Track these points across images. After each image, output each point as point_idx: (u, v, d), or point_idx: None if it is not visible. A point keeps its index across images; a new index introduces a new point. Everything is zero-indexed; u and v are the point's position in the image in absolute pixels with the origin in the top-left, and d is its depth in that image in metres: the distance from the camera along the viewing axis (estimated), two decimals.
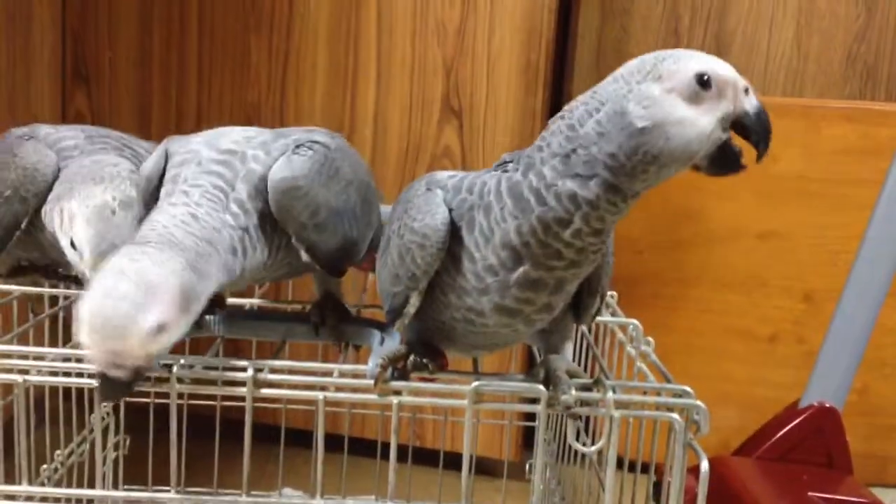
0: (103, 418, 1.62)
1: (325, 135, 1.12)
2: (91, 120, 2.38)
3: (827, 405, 1.87)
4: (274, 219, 1.03)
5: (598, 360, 1.02)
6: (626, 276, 2.33)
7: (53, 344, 1.31)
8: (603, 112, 0.82)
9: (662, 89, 0.80)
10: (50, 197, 1.14)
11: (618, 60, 2.66)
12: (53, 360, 0.92)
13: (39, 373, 0.88)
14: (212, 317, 1.09)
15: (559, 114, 0.87)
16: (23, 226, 1.17)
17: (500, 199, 0.87)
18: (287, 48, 2.28)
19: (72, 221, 1.06)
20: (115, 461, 1.70)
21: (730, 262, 2.31)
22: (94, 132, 1.23)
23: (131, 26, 2.33)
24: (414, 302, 0.92)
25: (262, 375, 0.87)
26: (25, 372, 0.87)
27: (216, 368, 0.88)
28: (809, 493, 1.68)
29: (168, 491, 0.89)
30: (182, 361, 0.87)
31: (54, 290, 1.23)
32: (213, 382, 0.87)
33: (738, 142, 0.85)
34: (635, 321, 1.13)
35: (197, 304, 0.91)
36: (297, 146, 1.06)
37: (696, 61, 0.82)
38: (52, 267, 1.28)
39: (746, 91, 0.83)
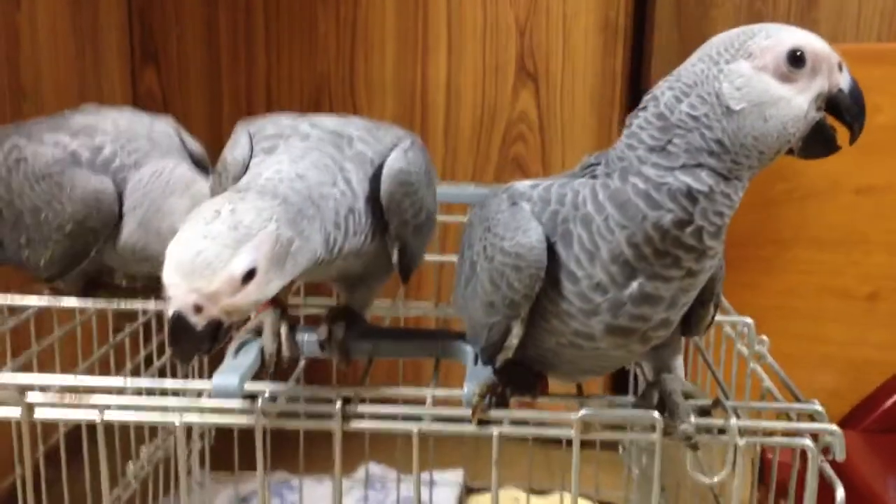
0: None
1: (413, 134, 1.06)
2: (162, 98, 2.36)
3: None
4: (374, 210, 0.97)
5: (717, 378, 0.94)
6: None
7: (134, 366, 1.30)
8: (694, 95, 0.77)
9: (754, 67, 0.76)
10: (130, 222, 1.13)
11: (700, 13, 2.55)
12: (135, 393, 0.87)
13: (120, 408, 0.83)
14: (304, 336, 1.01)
15: (640, 106, 0.80)
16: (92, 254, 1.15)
17: (601, 209, 0.79)
18: (355, 17, 2.22)
19: None
20: (202, 451, 1.67)
21: (826, 220, 2.19)
22: (125, 139, 1.19)
23: (197, 1, 2.28)
24: (517, 332, 0.84)
25: (350, 408, 0.81)
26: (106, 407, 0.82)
27: (302, 400, 0.82)
28: None
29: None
30: (267, 393, 0.82)
31: (131, 306, 1.18)
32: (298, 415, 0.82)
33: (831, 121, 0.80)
34: (748, 319, 1.04)
35: (293, 265, 0.83)
36: (411, 142, 1.01)
37: (789, 36, 0.77)
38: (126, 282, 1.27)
39: (840, 67, 0.78)
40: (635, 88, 2.40)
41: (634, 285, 0.78)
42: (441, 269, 1.55)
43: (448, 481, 1.87)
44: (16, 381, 0.87)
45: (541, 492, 1.75)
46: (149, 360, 1.35)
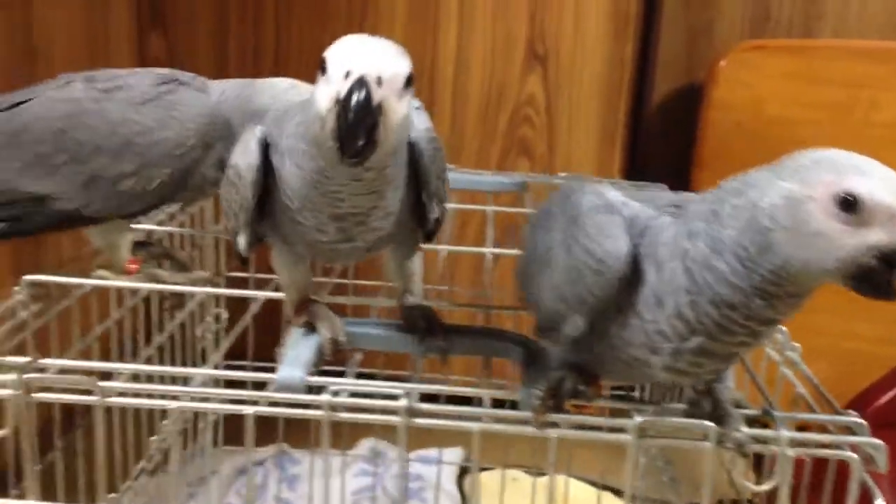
0: None
1: None
2: (168, 61, 2.35)
3: None
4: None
5: (761, 388, 0.97)
6: None
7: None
8: (767, 203, 0.75)
9: (805, 195, 0.73)
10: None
11: (707, 2, 2.55)
12: (203, 383, 0.89)
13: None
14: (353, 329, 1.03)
15: (732, 182, 0.80)
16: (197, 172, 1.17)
17: (673, 261, 0.80)
18: None
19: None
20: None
21: None
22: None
23: None
24: (580, 324, 0.86)
25: (415, 404, 0.83)
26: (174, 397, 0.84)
27: (366, 396, 0.84)
28: None
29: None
30: (332, 388, 0.84)
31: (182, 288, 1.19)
32: (363, 410, 0.84)
33: None
34: (783, 327, 1.08)
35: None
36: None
37: (853, 179, 0.72)
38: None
39: None
40: (640, 75, 2.43)
41: (694, 341, 0.80)
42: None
43: (447, 459, 1.90)
44: (86, 367, 0.89)
45: (542, 474, 1.79)
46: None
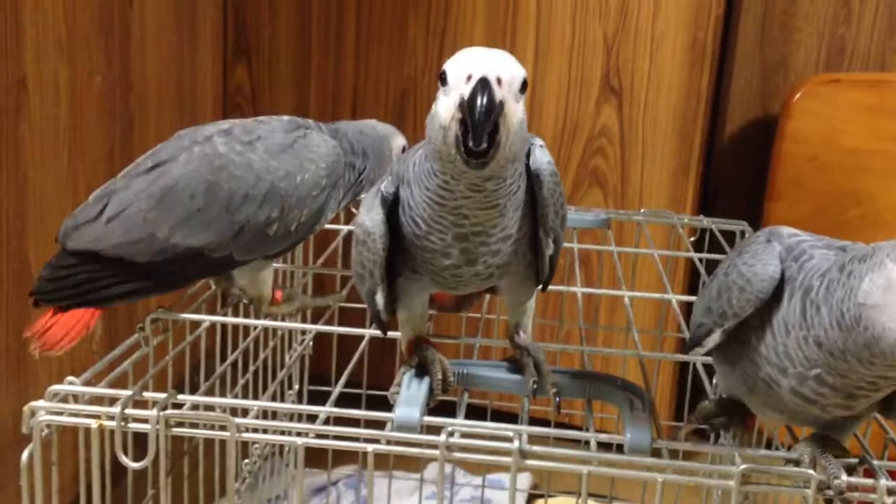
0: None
1: None
2: (251, 93, 2.44)
3: None
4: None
5: (858, 437, 1.00)
6: None
7: None
8: (851, 270, 0.82)
9: (888, 280, 0.79)
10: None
11: (783, 37, 2.55)
12: (325, 421, 0.93)
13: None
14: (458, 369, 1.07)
15: (873, 245, 0.83)
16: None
17: (798, 292, 0.86)
18: (444, 24, 2.28)
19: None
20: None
21: None
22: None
23: (291, 0, 2.35)
24: (715, 338, 0.93)
25: (526, 446, 0.88)
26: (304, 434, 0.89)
27: (481, 437, 0.89)
28: None
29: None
30: (450, 428, 0.88)
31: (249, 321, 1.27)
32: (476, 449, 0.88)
33: None
34: None
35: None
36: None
37: None
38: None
39: None
40: (713, 108, 2.45)
41: (815, 371, 0.85)
42: None
43: (517, 485, 1.93)
44: (221, 402, 0.95)
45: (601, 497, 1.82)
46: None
